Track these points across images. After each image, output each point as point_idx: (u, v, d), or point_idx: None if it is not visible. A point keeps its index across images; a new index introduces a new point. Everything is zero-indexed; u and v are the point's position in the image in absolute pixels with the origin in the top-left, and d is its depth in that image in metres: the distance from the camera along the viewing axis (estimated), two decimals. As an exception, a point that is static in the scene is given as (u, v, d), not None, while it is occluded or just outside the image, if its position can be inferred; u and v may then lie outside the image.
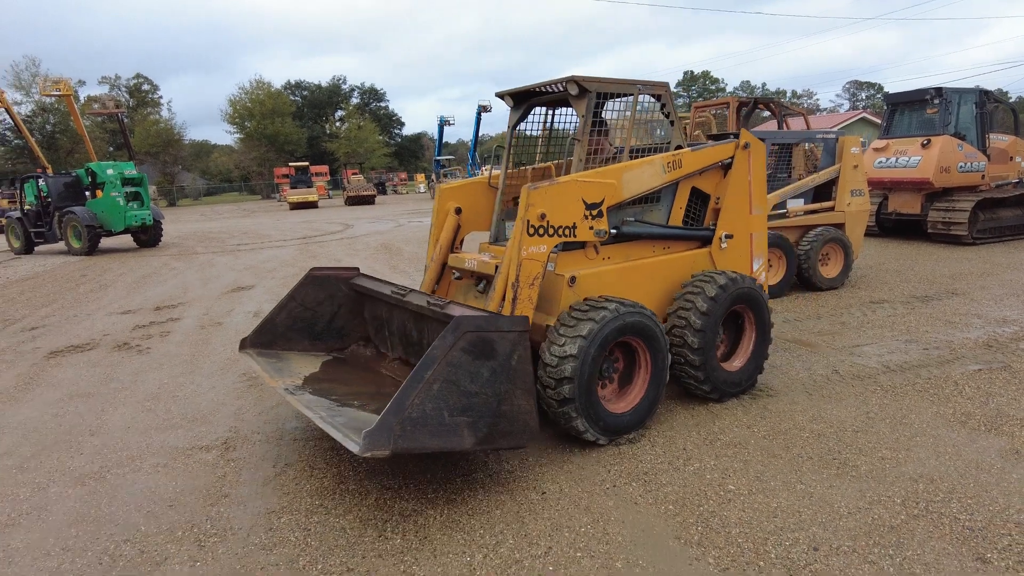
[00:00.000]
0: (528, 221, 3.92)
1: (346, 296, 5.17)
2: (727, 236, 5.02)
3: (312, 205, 37.55)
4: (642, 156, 4.67)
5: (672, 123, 4.90)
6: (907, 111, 13.14)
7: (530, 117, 5.23)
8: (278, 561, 3.07)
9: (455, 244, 5.26)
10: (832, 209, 8.74)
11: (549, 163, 5.50)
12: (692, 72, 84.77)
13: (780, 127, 12.81)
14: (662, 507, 3.39)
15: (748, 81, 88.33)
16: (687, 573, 2.85)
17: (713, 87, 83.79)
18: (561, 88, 4.59)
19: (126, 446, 4.53)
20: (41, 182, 19.10)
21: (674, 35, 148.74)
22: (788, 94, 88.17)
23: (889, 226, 13.39)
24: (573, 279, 4.24)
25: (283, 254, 15.50)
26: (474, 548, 3.09)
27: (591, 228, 4.21)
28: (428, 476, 3.82)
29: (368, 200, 38.74)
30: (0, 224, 28.76)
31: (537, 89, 4.82)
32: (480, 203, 5.35)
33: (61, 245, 18.79)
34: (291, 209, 36.87)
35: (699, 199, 5.11)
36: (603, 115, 4.65)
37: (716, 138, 9.58)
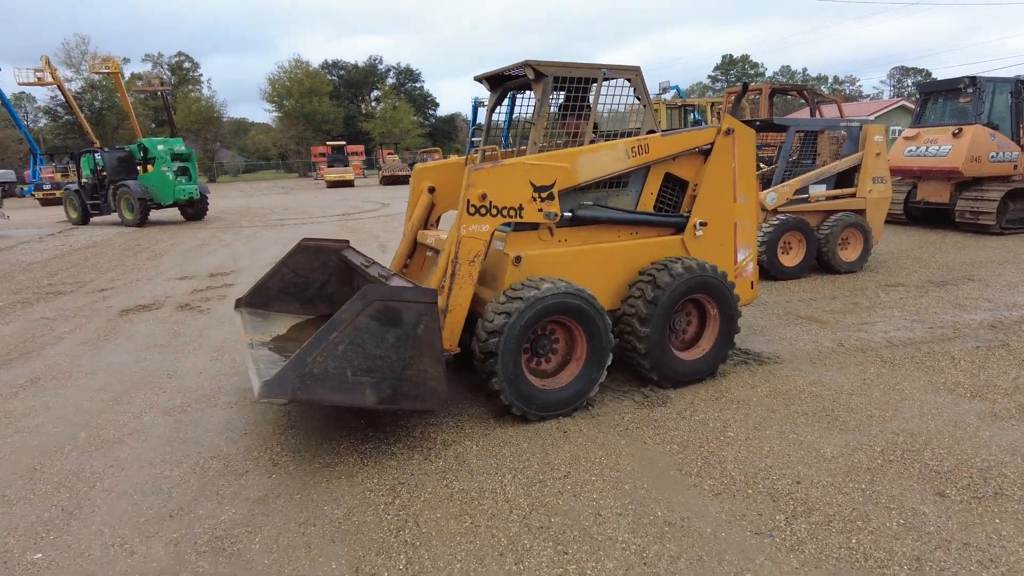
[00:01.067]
0: (468, 200, 4.09)
1: (337, 266, 5.62)
2: (701, 224, 4.96)
3: (348, 184, 38.43)
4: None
5: (644, 107, 4.93)
6: (940, 100, 13.19)
7: (523, 101, 5.37)
8: (340, 475, 3.67)
9: (428, 222, 5.49)
10: (854, 195, 9.02)
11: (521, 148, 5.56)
12: (731, 56, 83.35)
13: (813, 114, 12.97)
14: (668, 447, 3.90)
15: (788, 66, 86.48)
16: (684, 495, 3.36)
17: (752, 71, 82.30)
18: (520, 72, 4.74)
19: (201, 387, 5.20)
20: (97, 157, 20.12)
21: (716, 17, 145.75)
22: (829, 80, 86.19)
23: (917, 215, 13.50)
24: (518, 259, 4.36)
25: (324, 229, 16.21)
26: (504, 471, 3.65)
27: (540, 210, 4.33)
28: (466, 415, 4.39)
29: (403, 180, 39.44)
30: (59, 196, 30.25)
31: (506, 73, 4.97)
32: (456, 183, 5.35)
33: (114, 216, 19.82)
34: (328, 187, 37.80)
35: (676, 185, 5.09)
36: (589, 99, 4.77)
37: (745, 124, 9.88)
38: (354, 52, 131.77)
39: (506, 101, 5.47)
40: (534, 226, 4.54)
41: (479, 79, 5.36)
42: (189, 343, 6.50)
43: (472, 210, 4.13)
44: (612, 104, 4.95)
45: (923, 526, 3.02)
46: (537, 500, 3.34)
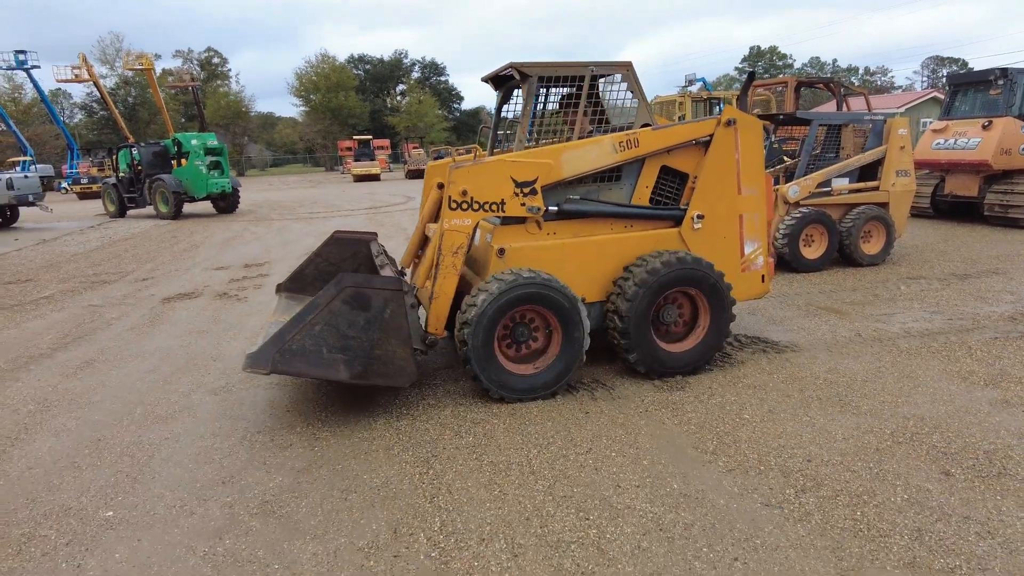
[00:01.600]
0: (450, 197, 4.39)
1: (365, 255, 6.01)
2: (699, 216, 4.97)
3: (375, 178, 38.90)
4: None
5: (638, 102, 5.04)
6: (970, 92, 13.05)
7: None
8: (377, 449, 3.94)
9: (438, 216, 5.79)
10: (877, 188, 9.06)
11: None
12: (759, 47, 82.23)
13: (839, 107, 12.93)
14: (685, 427, 4.11)
15: (818, 57, 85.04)
16: (699, 470, 3.57)
17: (780, 63, 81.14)
18: (508, 74, 4.96)
19: (244, 369, 5.52)
20: (134, 152, 20.77)
21: (745, 7, 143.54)
22: (860, 71, 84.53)
23: (944, 208, 13.39)
24: (502, 251, 4.57)
25: (352, 222, 16.58)
26: (530, 446, 3.89)
27: (523, 204, 4.54)
28: (493, 398, 4.64)
29: (427, 174, 39.80)
30: (95, 190, 31.20)
31: (504, 74, 5.19)
32: None
33: (149, 210, 20.47)
34: (354, 181, 38.31)
35: (676, 178, 5.11)
36: (597, 96, 4.97)
37: (766, 118, 9.97)
38: (380, 46, 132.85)
39: (512, 98, 5.70)
40: (522, 220, 4.72)
41: (484, 80, 5.67)
42: (230, 329, 6.85)
43: (453, 205, 4.43)
44: (622, 99, 5.11)
45: (926, 501, 3.19)
46: (560, 472, 3.58)
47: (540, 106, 5.34)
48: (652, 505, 3.24)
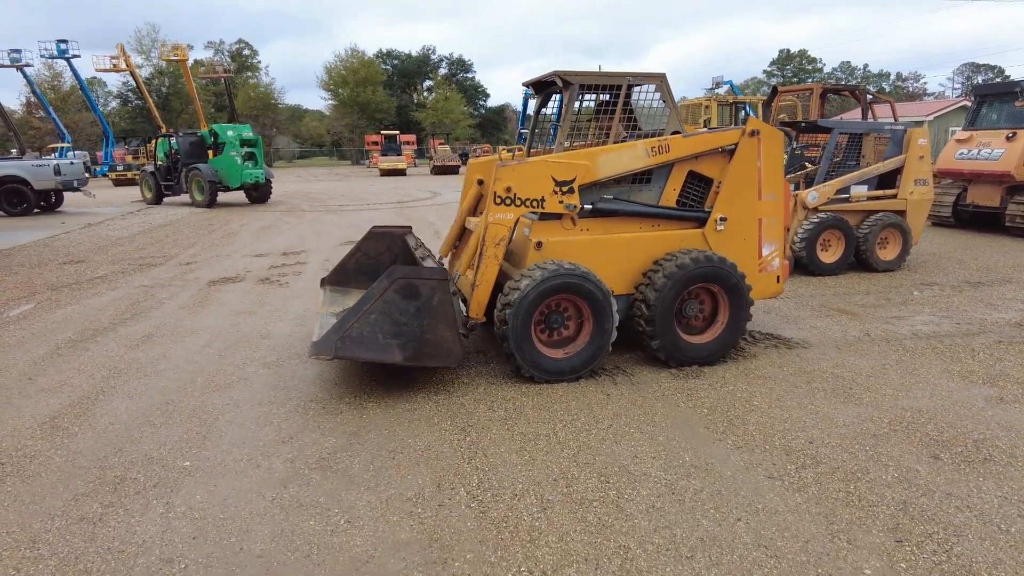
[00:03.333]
0: (495, 192, 4.78)
1: (401, 248, 6.48)
2: (722, 219, 5.33)
3: (401, 172, 39.52)
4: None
5: (669, 111, 5.41)
6: (996, 103, 13.18)
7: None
8: (419, 418, 4.38)
9: (476, 210, 6.17)
10: (895, 197, 9.31)
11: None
12: (788, 51, 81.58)
13: (865, 115, 13.13)
14: (698, 410, 4.49)
15: (848, 62, 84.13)
16: (710, 447, 3.95)
17: (809, 67, 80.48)
18: (550, 81, 5.37)
19: (292, 347, 6.00)
20: (172, 141, 21.52)
21: (778, 8, 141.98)
22: (892, 76, 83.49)
23: (966, 218, 13.52)
24: (539, 244, 4.98)
25: (382, 216, 17.10)
26: (555, 421, 4.31)
27: (561, 202, 4.94)
28: (522, 380, 5.04)
29: (453, 170, 40.36)
30: (131, 177, 32.15)
31: (547, 80, 5.58)
32: None
33: (184, 198, 21.18)
34: (381, 175, 38.98)
35: (702, 183, 5.48)
36: (627, 102, 5.32)
37: (788, 125, 10.26)
38: (408, 40, 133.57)
39: (551, 102, 6.10)
40: (558, 216, 5.11)
41: (526, 85, 6.11)
42: (275, 311, 7.34)
43: (498, 200, 4.83)
44: (655, 104, 5.49)
45: (914, 479, 3.54)
46: (584, 444, 3.99)
47: (577, 111, 5.76)
48: (666, 473, 3.64)
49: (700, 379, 5.08)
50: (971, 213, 13.31)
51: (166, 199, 21.97)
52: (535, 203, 4.94)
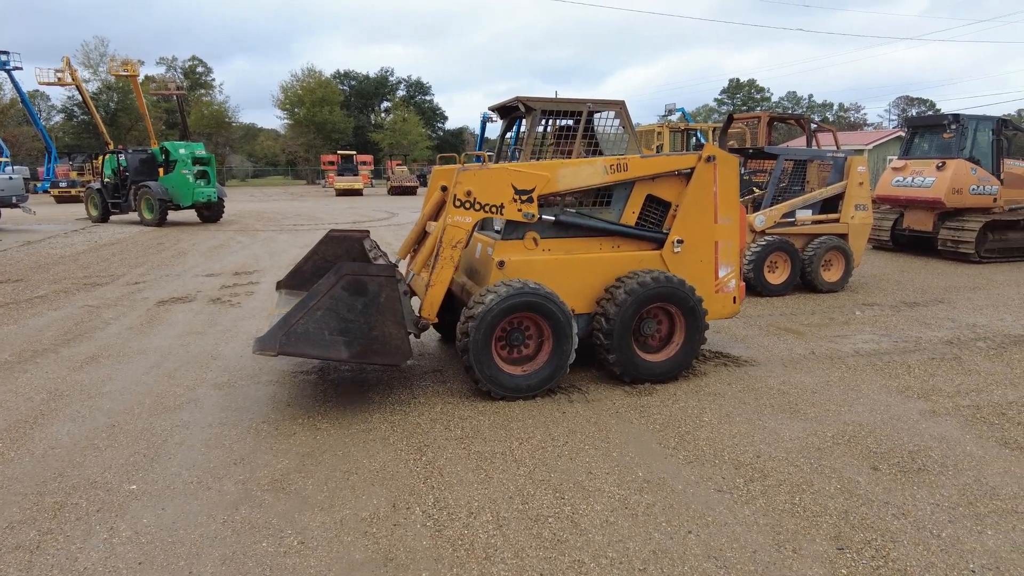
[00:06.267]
0: (455, 195, 4.87)
1: (359, 252, 6.44)
2: (679, 241, 5.47)
3: (357, 192, 39.29)
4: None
5: (629, 136, 5.68)
6: (927, 134, 13.98)
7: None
8: (374, 438, 4.35)
9: (438, 215, 6.16)
10: (837, 220, 9.74)
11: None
12: (738, 80, 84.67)
13: (809, 143, 13.72)
14: (650, 426, 4.59)
15: (794, 92, 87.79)
16: (662, 462, 4.04)
17: (758, 95, 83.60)
18: (514, 106, 5.56)
19: (243, 367, 5.89)
20: (121, 158, 20.91)
21: (731, 40, 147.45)
22: (835, 106, 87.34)
23: (903, 241, 14.21)
24: (501, 263, 5.07)
25: (337, 235, 16.92)
26: (512, 439, 4.34)
27: (519, 210, 5.02)
28: (479, 399, 5.07)
29: (410, 191, 40.32)
30: (74, 194, 31.04)
31: (510, 105, 5.76)
32: None
33: (133, 216, 20.56)
34: (337, 195, 38.65)
35: (660, 206, 5.62)
36: (586, 127, 5.57)
37: (737, 151, 10.65)
38: (368, 61, 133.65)
39: (516, 126, 6.27)
40: (521, 236, 5.24)
41: (492, 109, 6.28)
42: (226, 331, 7.19)
43: (458, 203, 4.89)
44: (615, 131, 5.72)
45: (855, 490, 3.70)
46: (540, 461, 4.03)
47: (540, 133, 5.94)
48: (619, 488, 3.70)
49: (653, 396, 5.19)
50: (908, 237, 14.01)
51: (113, 217, 21.29)
52: (494, 208, 5.00)
